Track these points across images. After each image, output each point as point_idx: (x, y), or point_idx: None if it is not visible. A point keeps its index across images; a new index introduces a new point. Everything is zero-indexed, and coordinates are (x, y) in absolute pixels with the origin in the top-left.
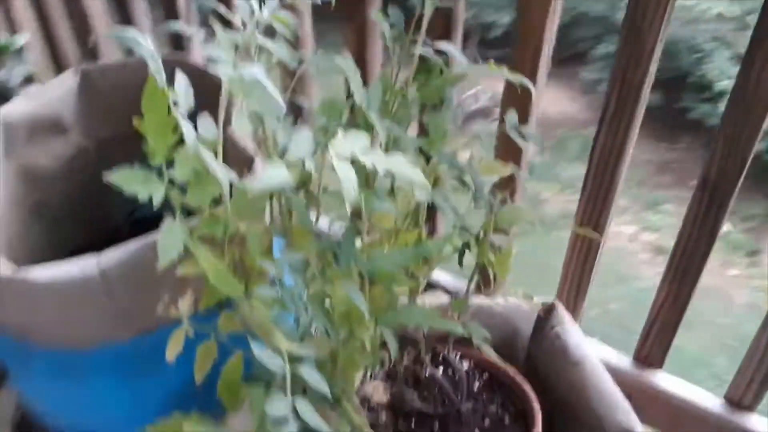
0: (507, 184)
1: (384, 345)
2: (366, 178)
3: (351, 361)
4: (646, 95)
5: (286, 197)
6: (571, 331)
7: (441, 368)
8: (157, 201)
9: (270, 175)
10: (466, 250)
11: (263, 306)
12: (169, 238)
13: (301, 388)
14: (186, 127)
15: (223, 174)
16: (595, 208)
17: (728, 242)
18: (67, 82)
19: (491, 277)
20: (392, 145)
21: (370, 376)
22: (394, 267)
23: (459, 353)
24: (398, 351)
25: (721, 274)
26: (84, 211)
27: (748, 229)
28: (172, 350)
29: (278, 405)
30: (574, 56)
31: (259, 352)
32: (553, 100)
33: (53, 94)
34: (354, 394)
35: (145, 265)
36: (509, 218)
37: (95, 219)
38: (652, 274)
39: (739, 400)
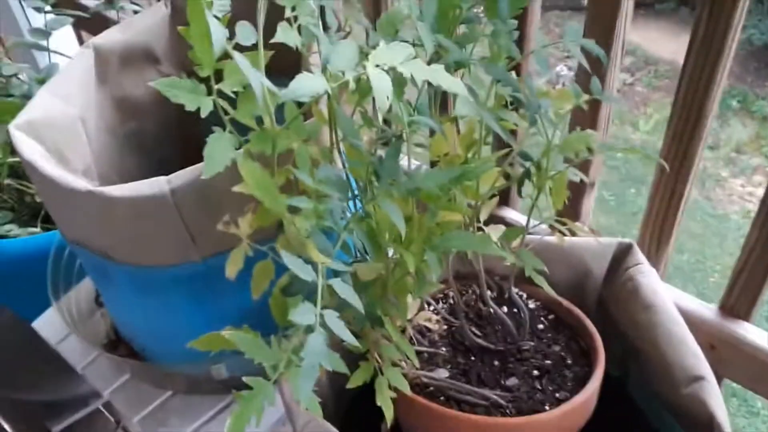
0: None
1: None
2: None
3: (400, 286)
4: (743, 9)
5: (330, 108)
6: (647, 274)
7: (505, 307)
8: (204, 113)
9: (301, 83)
10: (526, 180)
11: (303, 222)
12: (215, 150)
13: (337, 305)
14: (216, 32)
15: (257, 82)
16: (680, 144)
17: None
18: (159, 12)
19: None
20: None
21: (433, 310)
22: (435, 186)
23: (526, 293)
24: (458, 286)
25: None
26: (178, 142)
27: None
28: (232, 268)
29: (304, 313)
30: None
31: (292, 262)
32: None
33: (145, 23)
34: (407, 321)
35: (214, 187)
36: (573, 145)
37: (190, 150)
38: None
39: None
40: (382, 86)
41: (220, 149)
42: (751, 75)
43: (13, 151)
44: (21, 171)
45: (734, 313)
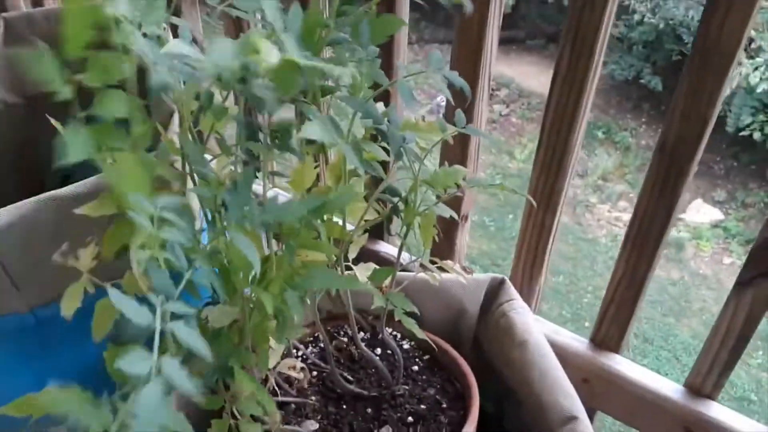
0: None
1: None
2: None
3: (260, 331)
4: (603, 46)
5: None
6: (519, 311)
7: (379, 348)
8: (61, 98)
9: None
10: (395, 216)
11: (140, 253)
12: (73, 140)
13: (184, 356)
14: None
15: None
16: (548, 177)
17: (724, 230)
18: None
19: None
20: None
21: (301, 355)
22: (294, 219)
23: (400, 333)
24: (329, 328)
25: (717, 263)
26: (14, 173)
27: (744, 217)
28: (69, 305)
29: (137, 361)
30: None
31: (121, 302)
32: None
33: None
34: (267, 370)
35: (41, 225)
36: (442, 180)
37: (26, 183)
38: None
39: (700, 387)
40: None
41: (77, 140)
42: (614, 108)
43: None
44: None
45: (605, 345)
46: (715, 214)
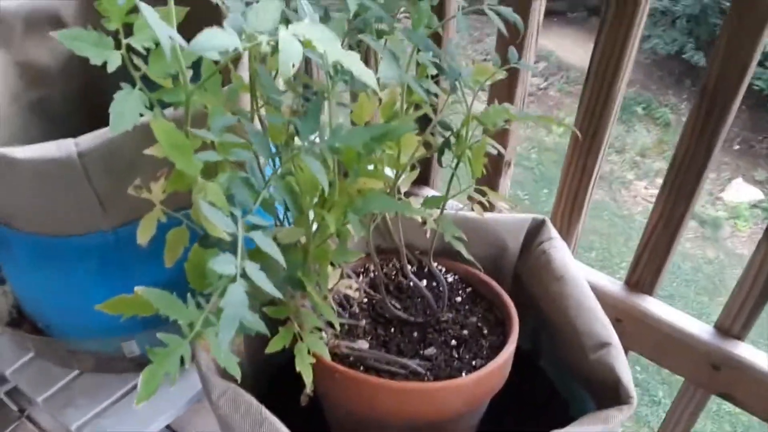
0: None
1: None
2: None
3: (321, 252)
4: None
5: (251, 70)
6: (558, 247)
7: (425, 280)
8: (112, 67)
9: (210, 37)
10: (446, 149)
11: (221, 175)
12: (124, 106)
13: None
14: None
15: (165, 36)
16: (591, 119)
17: (763, 210)
18: None
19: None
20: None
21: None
22: (357, 144)
23: (445, 267)
24: (379, 260)
25: (755, 242)
26: (88, 114)
27: None
28: (144, 234)
29: (225, 263)
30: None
31: (211, 213)
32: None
33: None
34: (327, 288)
35: (125, 150)
36: (492, 116)
37: (96, 121)
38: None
39: (729, 328)
40: (290, 52)
41: (128, 105)
42: (655, 83)
43: None
44: None
45: (639, 287)
46: (755, 193)
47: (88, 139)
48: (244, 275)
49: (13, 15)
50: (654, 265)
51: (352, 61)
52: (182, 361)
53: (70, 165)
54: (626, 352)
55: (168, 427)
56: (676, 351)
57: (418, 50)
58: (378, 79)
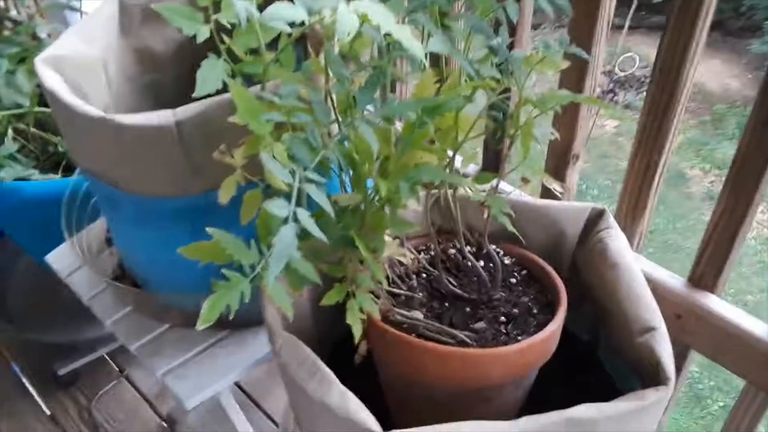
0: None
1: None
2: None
3: (378, 219)
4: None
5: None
6: (615, 237)
7: (482, 261)
8: (200, 39)
9: (278, 9)
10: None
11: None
12: (208, 72)
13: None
14: None
15: (242, 9)
16: (656, 115)
17: None
18: None
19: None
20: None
21: (414, 259)
22: (407, 114)
23: (503, 250)
24: (439, 239)
25: None
26: (191, 95)
27: None
28: (225, 194)
29: (280, 207)
30: (747, 27)
31: (270, 163)
32: (716, 73)
33: None
34: (382, 254)
35: (217, 121)
36: (548, 101)
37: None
38: None
39: None
40: (346, 23)
41: (212, 73)
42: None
43: (40, 102)
44: (46, 122)
45: (702, 284)
46: None
47: (185, 111)
48: (295, 220)
49: (133, 4)
50: (717, 262)
51: (402, 33)
52: (242, 297)
53: (168, 132)
54: (687, 350)
55: (244, 392)
56: (737, 350)
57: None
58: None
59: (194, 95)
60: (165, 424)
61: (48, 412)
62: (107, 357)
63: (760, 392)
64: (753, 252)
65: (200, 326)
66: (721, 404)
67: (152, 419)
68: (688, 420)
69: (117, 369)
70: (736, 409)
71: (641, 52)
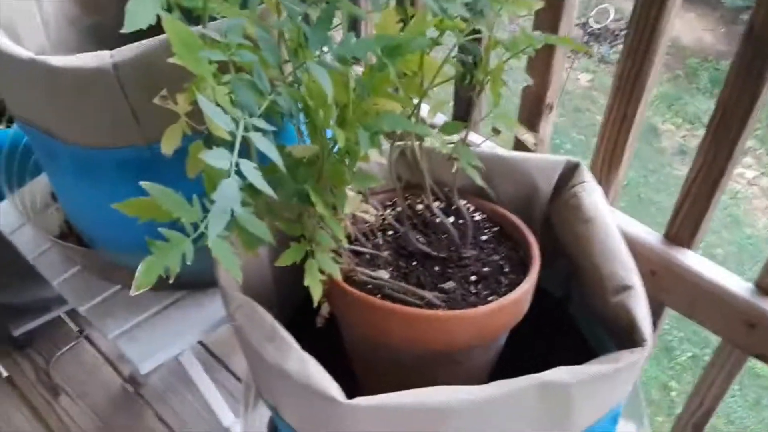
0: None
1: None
2: None
3: (337, 172)
4: None
5: None
6: (590, 191)
7: (452, 217)
8: None
9: None
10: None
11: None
12: (138, 5)
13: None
14: None
15: None
16: (634, 63)
17: None
18: None
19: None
20: None
21: (380, 215)
22: (364, 54)
23: (473, 206)
24: (405, 196)
25: None
26: (135, 40)
27: None
28: (168, 144)
29: (219, 158)
30: None
31: (210, 109)
32: (691, 28)
33: None
34: (344, 210)
35: (159, 63)
36: (520, 43)
37: None
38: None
39: None
40: None
41: (143, 5)
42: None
43: None
44: None
45: (678, 240)
46: None
47: (124, 51)
48: (239, 173)
49: None
50: (694, 217)
51: None
52: (183, 258)
53: (105, 75)
54: (661, 307)
55: (209, 351)
56: (711, 306)
57: None
58: None
59: (122, 31)
60: (128, 385)
61: (5, 374)
62: (65, 317)
63: (735, 349)
64: (723, 206)
65: (134, 291)
66: (690, 354)
67: (114, 380)
68: (656, 370)
69: (76, 329)
70: (711, 365)
71: (616, 4)
